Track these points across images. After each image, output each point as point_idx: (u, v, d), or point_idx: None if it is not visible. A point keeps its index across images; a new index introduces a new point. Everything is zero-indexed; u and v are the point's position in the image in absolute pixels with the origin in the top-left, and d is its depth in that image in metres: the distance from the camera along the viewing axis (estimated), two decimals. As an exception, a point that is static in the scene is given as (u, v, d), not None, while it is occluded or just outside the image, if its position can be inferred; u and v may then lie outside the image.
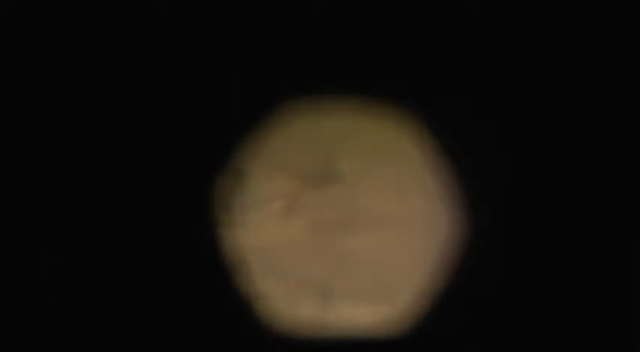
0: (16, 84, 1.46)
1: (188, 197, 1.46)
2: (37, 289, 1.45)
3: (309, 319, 1.44)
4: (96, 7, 1.46)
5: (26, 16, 1.46)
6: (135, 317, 1.46)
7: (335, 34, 1.48)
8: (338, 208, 1.44)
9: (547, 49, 1.48)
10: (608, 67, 1.47)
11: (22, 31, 1.46)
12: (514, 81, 1.48)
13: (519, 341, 1.46)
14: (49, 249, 1.45)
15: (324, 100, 1.46)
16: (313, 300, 1.44)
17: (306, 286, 1.43)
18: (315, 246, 1.43)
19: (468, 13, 1.47)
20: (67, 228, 1.45)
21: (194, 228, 1.45)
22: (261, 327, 1.45)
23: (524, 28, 1.48)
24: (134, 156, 1.46)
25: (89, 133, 1.46)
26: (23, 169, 1.46)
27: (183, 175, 1.46)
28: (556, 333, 1.46)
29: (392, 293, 1.45)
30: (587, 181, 1.47)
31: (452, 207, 1.45)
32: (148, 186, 1.46)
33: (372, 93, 1.48)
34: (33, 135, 1.46)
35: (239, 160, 1.43)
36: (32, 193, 1.46)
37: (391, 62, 1.48)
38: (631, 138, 1.47)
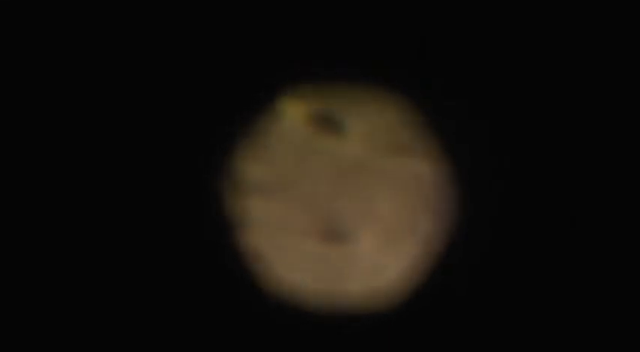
0: (14, 80, 1.47)
1: (192, 179, 1.48)
2: (30, 281, 1.47)
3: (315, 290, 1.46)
4: (82, 4, 1.47)
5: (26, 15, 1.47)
6: (136, 284, 1.47)
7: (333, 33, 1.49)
8: None
9: (544, 39, 1.48)
10: (608, 66, 1.47)
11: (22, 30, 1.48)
12: (516, 73, 1.48)
13: (515, 334, 1.47)
14: (52, 248, 1.47)
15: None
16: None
17: None
18: None
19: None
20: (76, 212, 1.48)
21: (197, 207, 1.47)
22: (263, 295, 1.47)
23: (524, 17, 1.48)
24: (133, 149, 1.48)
25: (89, 132, 1.48)
26: (23, 168, 1.47)
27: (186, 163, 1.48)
28: (554, 329, 1.46)
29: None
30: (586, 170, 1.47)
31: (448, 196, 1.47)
32: (149, 172, 1.48)
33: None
34: (33, 136, 1.47)
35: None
36: (32, 196, 1.47)
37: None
38: (631, 137, 1.47)
